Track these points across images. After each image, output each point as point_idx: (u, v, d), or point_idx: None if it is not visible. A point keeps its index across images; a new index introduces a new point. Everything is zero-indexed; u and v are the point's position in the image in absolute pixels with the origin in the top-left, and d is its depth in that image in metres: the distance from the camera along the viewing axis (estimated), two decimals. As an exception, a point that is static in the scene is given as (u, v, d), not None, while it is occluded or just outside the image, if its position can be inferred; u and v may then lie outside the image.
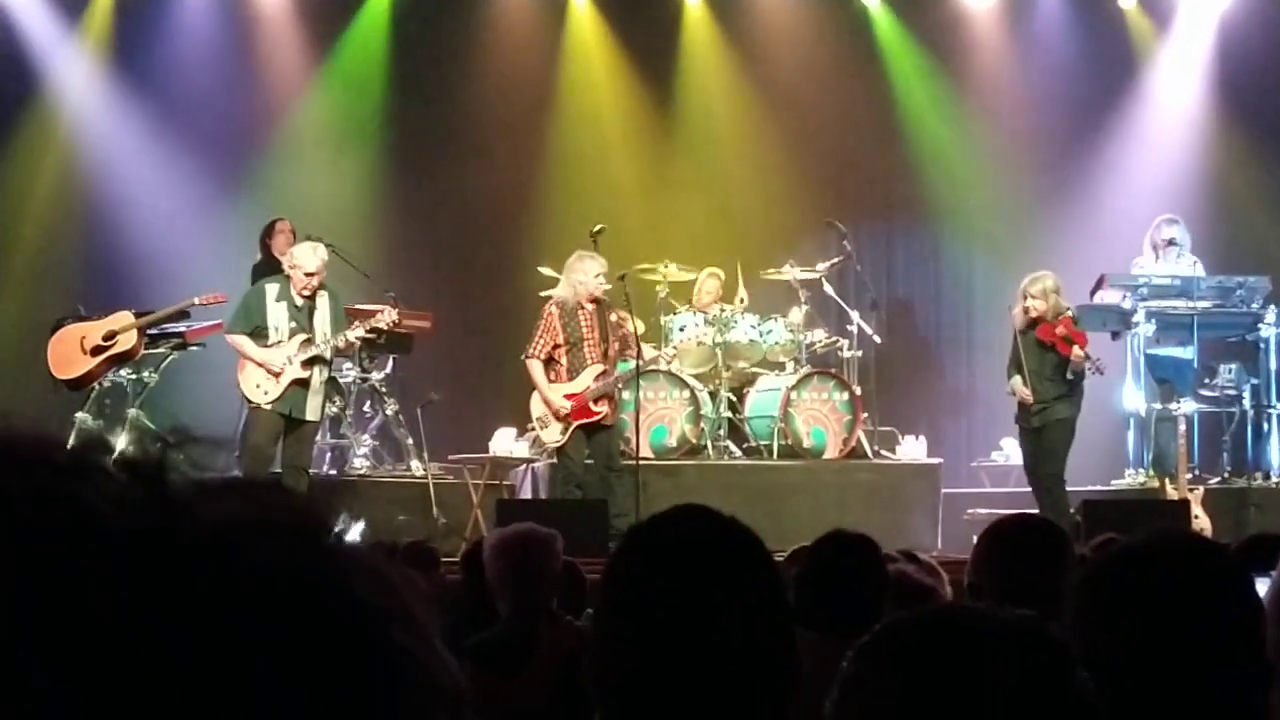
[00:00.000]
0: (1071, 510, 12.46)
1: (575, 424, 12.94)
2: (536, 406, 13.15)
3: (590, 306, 13.03)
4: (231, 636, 0.94)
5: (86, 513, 0.95)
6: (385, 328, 13.54)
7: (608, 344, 13.10)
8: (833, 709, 1.92)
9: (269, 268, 14.24)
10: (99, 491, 0.96)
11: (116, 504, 0.96)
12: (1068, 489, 13.35)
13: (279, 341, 12.64)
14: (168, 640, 0.93)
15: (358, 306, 14.11)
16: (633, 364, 13.50)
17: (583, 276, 12.96)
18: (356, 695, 0.97)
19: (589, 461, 13.09)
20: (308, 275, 12.69)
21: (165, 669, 0.92)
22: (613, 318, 13.28)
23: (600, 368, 13.02)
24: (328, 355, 12.84)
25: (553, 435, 13.08)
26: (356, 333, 13.07)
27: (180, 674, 0.92)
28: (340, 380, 14.73)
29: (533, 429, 13.49)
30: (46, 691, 0.91)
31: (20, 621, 0.93)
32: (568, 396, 12.95)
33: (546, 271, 14.19)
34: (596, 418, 12.96)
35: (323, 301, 12.84)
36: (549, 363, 13.06)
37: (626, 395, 13.81)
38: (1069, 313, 13.23)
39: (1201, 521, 12.87)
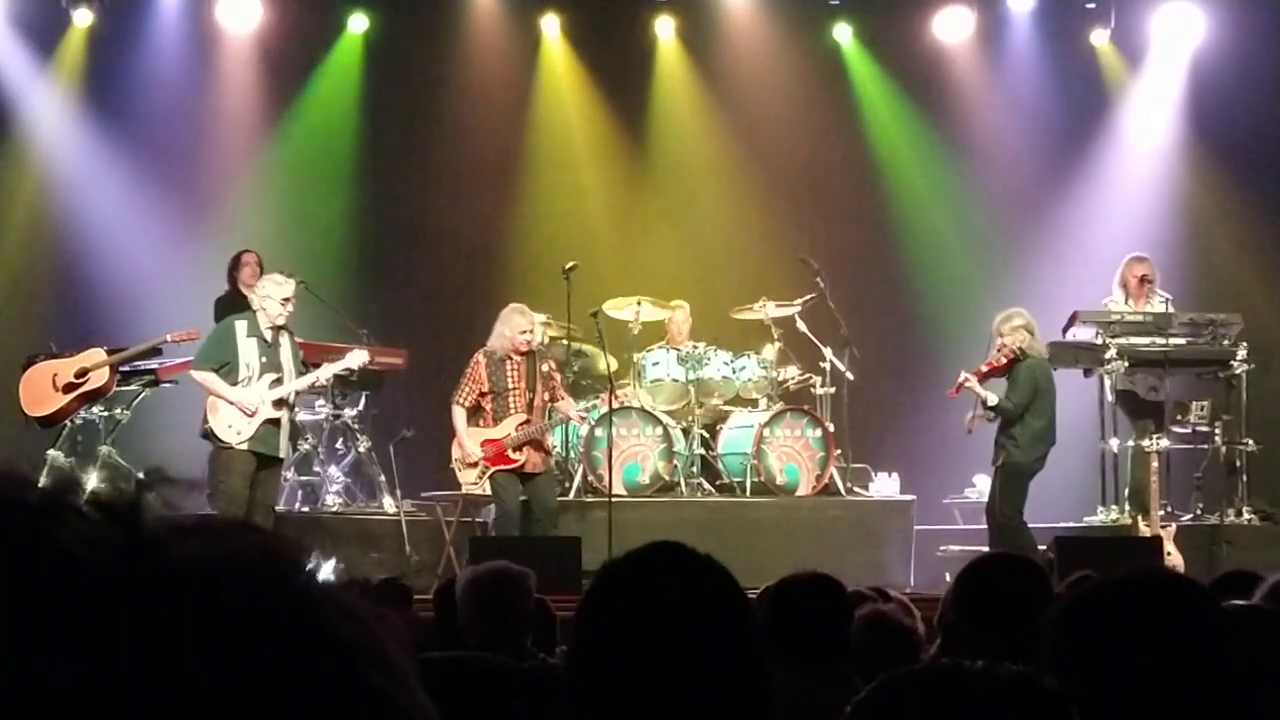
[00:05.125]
0: (1043, 547, 12.46)
1: (492, 469, 13.18)
2: (456, 449, 13.45)
3: (519, 358, 13.30)
4: (205, 678, 0.93)
5: (59, 554, 0.94)
6: (356, 368, 13.53)
7: (534, 394, 13.37)
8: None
9: (233, 301, 14.24)
10: (72, 532, 0.96)
11: (90, 545, 0.95)
12: (1040, 525, 13.38)
13: (249, 378, 12.60)
14: (142, 682, 0.92)
15: (329, 344, 14.09)
16: (603, 400, 13.68)
17: (508, 330, 13.33)
18: None
19: (523, 499, 13.28)
20: (285, 301, 12.67)
21: (140, 711, 0.91)
22: (544, 368, 13.46)
23: (523, 417, 13.28)
24: (292, 400, 12.86)
25: (469, 478, 13.37)
26: (325, 374, 13.09)
27: (153, 715, 0.91)
28: (313, 417, 14.72)
29: (453, 468, 13.57)
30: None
31: None
32: (487, 442, 13.27)
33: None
34: (513, 465, 13.21)
35: (286, 340, 12.83)
36: (477, 409, 13.38)
37: (599, 432, 13.87)
38: (1021, 346, 13.24)
39: (1174, 558, 12.88)
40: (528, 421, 13.29)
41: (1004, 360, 13.25)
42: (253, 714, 0.93)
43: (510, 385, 13.29)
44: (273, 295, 12.68)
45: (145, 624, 0.93)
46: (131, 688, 0.91)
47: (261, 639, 0.95)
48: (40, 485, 0.99)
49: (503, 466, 13.21)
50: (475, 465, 13.24)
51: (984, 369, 13.32)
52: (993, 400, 13.20)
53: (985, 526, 13.60)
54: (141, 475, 1.02)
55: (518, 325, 13.29)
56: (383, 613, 1.02)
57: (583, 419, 13.96)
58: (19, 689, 0.91)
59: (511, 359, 13.29)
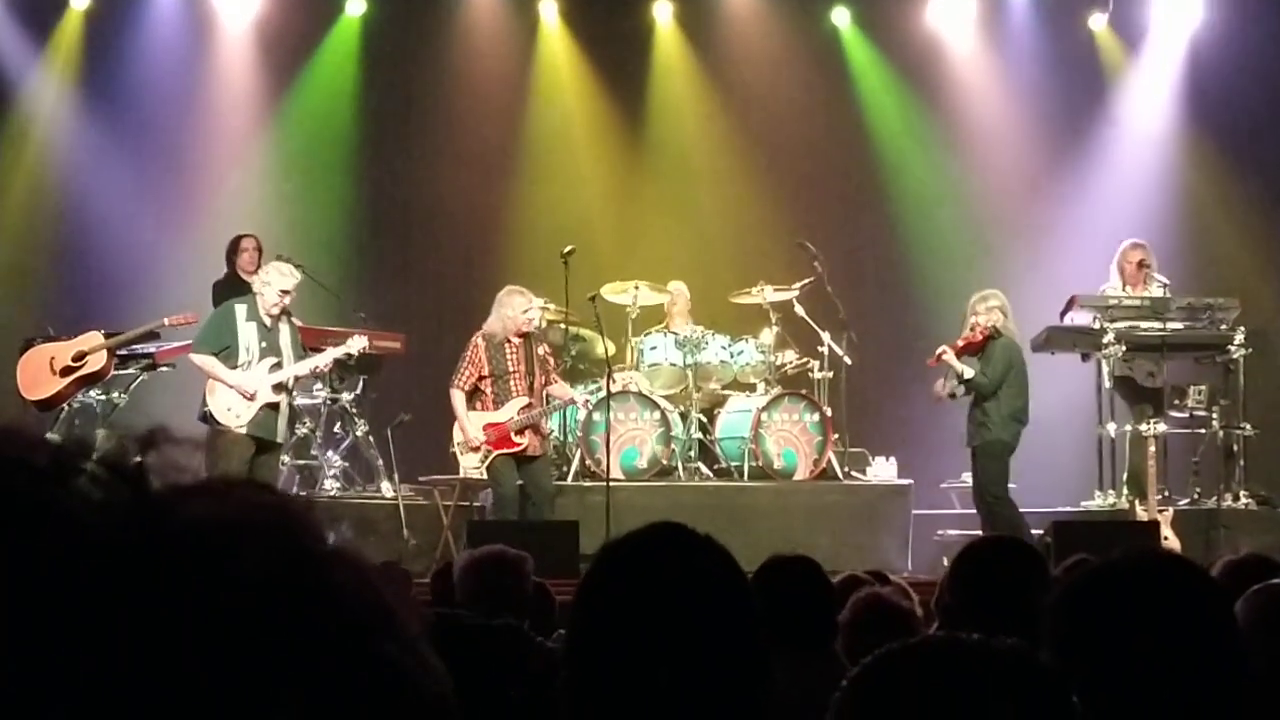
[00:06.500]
0: (1040, 532, 12.46)
1: (495, 453, 13.14)
2: (458, 434, 13.39)
3: (518, 340, 13.28)
4: (216, 642, 0.92)
5: (64, 518, 0.94)
6: (356, 353, 13.50)
7: (534, 377, 13.35)
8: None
9: (231, 285, 14.23)
10: (78, 495, 0.95)
11: (96, 508, 0.94)
12: (1038, 510, 13.39)
13: (248, 362, 12.60)
14: (151, 645, 0.91)
15: (328, 328, 14.09)
16: (601, 384, 13.68)
17: (510, 311, 13.26)
18: (345, 703, 0.95)
19: (520, 483, 13.23)
20: (283, 293, 12.67)
21: (147, 675, 0.91)
22: (541, 350, 13.45)
23: (525, 400, 13.26)
24: (291, 385, 12.85)
25: (471, 462, 13.32)
26: (326, 359, 13.07)
27: (161, 681, 0.91)
28: (310, 401, 14.70)
29: (454, 452, 13.55)
30: (29, 698, 0.90)
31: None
32: (490, 426, 13.21)
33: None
34: (517, 448, 13.18)
35: (286, 325, 12.82)
36: (475, 392, 13.32)
37: (597, 417, 13.87)
38: (995, 325, 13.30)
39: (1171, 543, 12.88)
40: (530, 405, 13.27)
41: (979, 337, 13.32)
42: (263, 680, 0.93)
43: (511, 368, 13.25)
44: (273, 284, 12.69)
45: (154, 591, 0.92)
46: (141, 652, 0.91)
47: (271, 604, 0.94)
48: (48, 445, 0.98)
49: (505, 450, 13.18)
50: (478, 449, 13.20)
51: (960, 344, 13.41)
52: (969, 374, 13.26)
53: (984, 511, 13.60)
54: (146, 435, 1.01)
55: (519, 305, 13.25)
56: (392, 575, 1.01)
57: (587, 403, 13.95)
58: (25, 653, 0.91)
59: (510, 342, 13.26)
